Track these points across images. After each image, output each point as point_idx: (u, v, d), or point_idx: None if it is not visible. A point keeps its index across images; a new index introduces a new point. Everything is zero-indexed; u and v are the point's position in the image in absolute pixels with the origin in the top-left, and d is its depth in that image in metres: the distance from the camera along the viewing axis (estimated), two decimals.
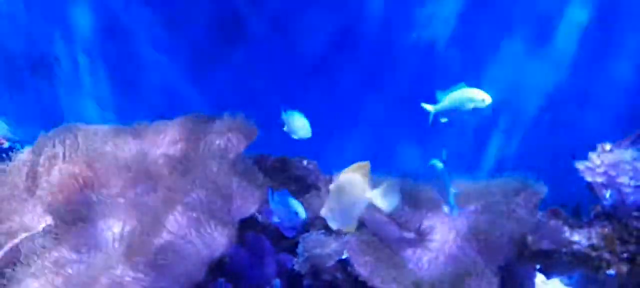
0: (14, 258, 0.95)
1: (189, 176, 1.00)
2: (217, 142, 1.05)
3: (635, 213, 1.04)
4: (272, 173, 1.21)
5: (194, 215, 0.93)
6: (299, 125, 1.21)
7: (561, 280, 1.31)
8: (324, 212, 0.90)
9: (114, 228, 0.95)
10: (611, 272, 1.02)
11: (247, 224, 1.05)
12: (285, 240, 1.10)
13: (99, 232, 0.95)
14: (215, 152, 1.03)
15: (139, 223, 0.94)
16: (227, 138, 1.05)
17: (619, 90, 1.85)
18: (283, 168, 1.23)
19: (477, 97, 1.14)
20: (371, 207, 1.07)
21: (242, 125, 1.08)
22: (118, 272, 0.88)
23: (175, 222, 0.93)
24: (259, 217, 1.12)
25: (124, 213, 0.96)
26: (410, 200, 1.16)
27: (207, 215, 0.92)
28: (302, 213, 1.07)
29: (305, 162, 1.25)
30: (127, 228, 0.95)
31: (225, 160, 1.02)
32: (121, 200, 0.99)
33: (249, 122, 1.09)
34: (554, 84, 1.92)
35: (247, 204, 0.97)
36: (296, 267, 1.03)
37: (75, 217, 0.96)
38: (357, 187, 0.89)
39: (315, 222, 1.12)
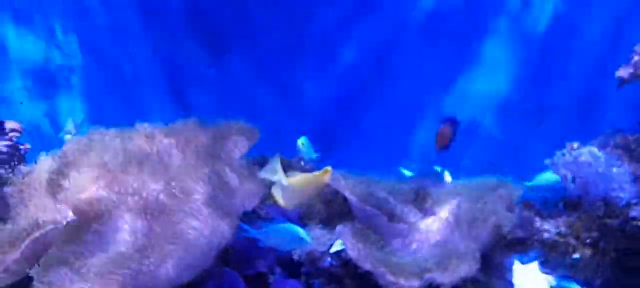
0: (39, 250, 1.05)
1: (199, 174, 1.11)
2: (224, 143, 1.16)
3: (598, 204, 1.16)
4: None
5: (204, 209, 1.04)
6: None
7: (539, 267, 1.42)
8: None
9: (132, 222, 1.05)
10: (576, 256, 1.15)
11: (249, 217, 1.16)
12: None
13: (119, 226, 1.05)
14: (222, 153, 1.14)
15: (155, 217, 1.04)
16: (233, 140, 1.16)
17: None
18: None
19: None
20: (361, 201, 1.20)
21: (245, 128, 1.20)
22: (137, 261, 0.98)
23: (187, 216, 1.04)
24: (261, 212, 1.22)
25: (141, 208, 1.07)
26: (399, 194, 1.28)
27: (215, 209, 1.03)
28: (307, 238, 1.12)
29: (302, 163, 1.36)
30: (145, 223, 1.05)
31: (231, 160, 1.13)
32: (138, 197, 1.09)
33: (252, 126, 1.21)
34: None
35: (249, 199, 1.08)
36: (295, 257, 1.14)
37: (96, 214, 1.06)
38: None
39: (313, 217, 1.24)
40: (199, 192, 1.08)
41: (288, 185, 1.15)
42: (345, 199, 1.24)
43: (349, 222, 1.13)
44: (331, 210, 1.26)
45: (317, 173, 1.16)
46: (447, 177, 1.46)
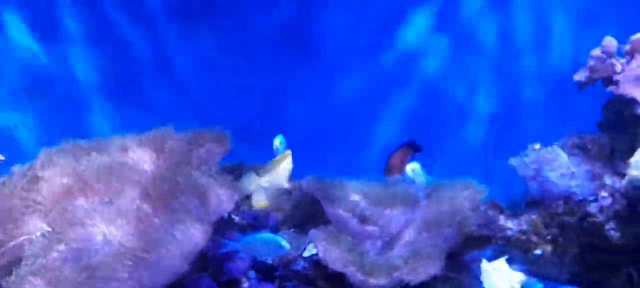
0: (14, 259, 1.06)
1: (172, 182, 1.13)
2: (196, 152, 1.19)
3: (557, 202, 1.22)
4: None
5: (177, 217, 1.06)
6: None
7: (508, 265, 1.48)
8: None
9: (106, 231, 1.07)
10: (538, 252, 1.20)
11: (223, 224, 1.18)
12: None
13: (93, 235, 1.06)
14: (196, 160, 1.17)
15: (129, 226, 1.06)
16: (206, 148, 1.19)
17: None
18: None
19: None
20: (334, 205, 1.24)
21: (218, 136, 1.22)
22: (111, 268, 1.00)
23: (160, 225, 1.06)
24: (235, 219, 1.25)
25: (115, 217, 1.08)
26: (371, 197, 1.33)
27: (188, 216, 1.05)
28: (286, 245, 1.15)
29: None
30: (119, 231, 1.07)
31: (204, 167, 1.16)
32: (112, 207, 1.11)
33: (225, 134, 1.24)
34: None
35: (224, 205, 1.11)
36: (269, 260, 1.17)
37: (70, 223, 1.08)
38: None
39: (286, 220, 1.27)
40: (174, 200, 1.10)
41: (266, 187, 1.24)
42: (318, 203, 1.28)
43: (322, 226, 1.17)
44: (305, 214, 1.29)
45: (276, 159, 1.33)
46: (420, 177, 1.50)
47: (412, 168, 1.39)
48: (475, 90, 2.14)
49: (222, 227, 1.22)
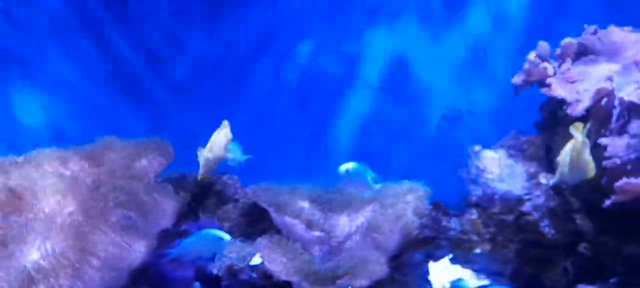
0: None
1: (111, 196, 1.10)
2: (137, 163, 1.16)
3: (495, 202, 1.28)
4: (193, 190, 1.33)
5: (116, 230, 1.03)
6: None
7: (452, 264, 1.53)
8: None
9: (43, 245, 1.03)
10: (477, 251, 1.25)
11: (167, 236, 1.16)
12: None
13: (29, 248, 1.02)
14: (137, 172, 1.14)
15: (65, 241, 1.03)
16: (147, 159, 1.17)
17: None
18: (203, 185, 1.35)
19: None
20: (281, 212, 1.24)
21: (160, 147, 1.20)
22: (46, 284, 0.97)
23: (99, 238, 1.03)
24: (180, 229, 1.23)
25: (50, 233, 1.04)
26: (320, 202, 1.33)
27: (128, 229, 1.03)
28: (227, 236, 1.19)
29: (225, 177, 1.38)
30: (55, 247, 1.03)
31: (144, 180, 1.14)
32: (49, 220, 1.07)
33: (166, 144, 1.22)
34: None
35: (165, 218, 1.09)
36: (215, 271, 1.16)
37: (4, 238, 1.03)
38: None
39: (234, 230, 1.26)
40: (112, 213, 1.08)
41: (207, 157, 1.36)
42: (266, 211, 1.28)
43: (267, 234, 1.16)
44: (252, 222, 1.29)
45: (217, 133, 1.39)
46: (369, 181, 1.52)
47: (346, 168, 1.41)
48: (428, 92, 2.20)
49: (167, 237, 1.20)
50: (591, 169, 1.14)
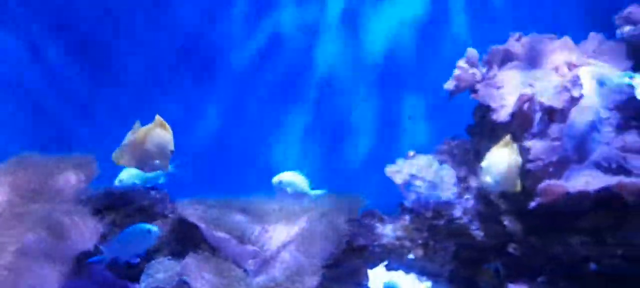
0: None
1: (25, 218, 1.03)
2: (54, 181, 1.09)
3: (427, 207, 1.29)
4: (118, 206, 1.27)
5: (28, 255, 0.96)
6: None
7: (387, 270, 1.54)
8: None
9: None
10: (411, 256, 1.26)
11: (89, 257, 1.10)
12: (131, 268, 1.16)
13: None
14: (53, 192, 1.07)
15: None
16: (65, 177, 1.10)
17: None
18: (129, 200, 1.29)
19: None
20: (212, 228, 1.20)
21: (80, 164, 1.13)
22: None
23: (8, 265, 0.95)
24: (103, 250, 1.17)
25: None
26: (255, 215, 1.31)
27: (41, 254, 0.96)
28: (154, 228, 1.16)
29: (153, 193, 1.32)
30: None
31: (63, 199, 1.07)
32: None
33: (88, 160, 1.15)
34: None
35: (85, 239, 1.03)
36: None
37: None
38: None
39: (162, 248, 1.21)
40: (24, 237, 1.00)
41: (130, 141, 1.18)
42: (196, 226, 1.24)
43: (195, 252, 1.13)
44: (181, 239, 1.24)
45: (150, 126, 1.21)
46: (307, 190, 1.49)
47: (280, 179, 1.37)
48: (365, 98, 2.22)
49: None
50: (517, 185, 1.18)
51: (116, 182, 1.41)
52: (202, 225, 1.21)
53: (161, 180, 1.33)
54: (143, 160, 1.19)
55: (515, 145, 1.19)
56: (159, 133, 1.20)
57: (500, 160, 1.14)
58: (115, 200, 1.28)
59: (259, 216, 1.30)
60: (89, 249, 1.10)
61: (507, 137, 1.17)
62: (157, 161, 1.21)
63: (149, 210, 1.28)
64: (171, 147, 1.21)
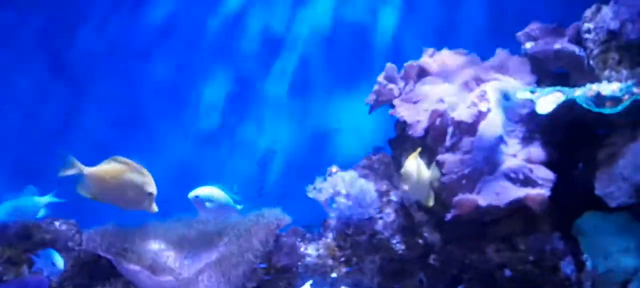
0: None
1: None
2: None
3: (349, 224, 1.29)
4: (16, 241, 1.16)
5: None
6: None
7: None
8: None
9: None
10: (334, 275, 1.25)
11: None
12: None
13: None
14: None
15: None
16: None
17: None
18: (28, 235, 1.18)
19: None
20: (122, 260, 1.13)
21: None
22: None
23: None
24: None
25: None
26: (171, 241, 1.25)
27: None
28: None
29: (58, 223, 1.22)
30: None
31: None
32: None
33: None
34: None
35: None
36: None
37: None
38: None
39: (65, 283, 1.12)
40: None
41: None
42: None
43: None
44: (88, 274, 1.16)
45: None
46: (230, 203, 1.44)
47: (196, 194, 1.31)
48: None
49: None
50: (428, 195, 1.21)
51: None
52: (111, 257, 1.13)
53: (41, 214, 1.23)
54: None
55: (419, 159, 1.21)
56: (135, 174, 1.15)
57: (411, 170, 1.16)
58: (12, 236, 1.17)
59: (175, 241, 1.24)
60: None
61: (417, 151, 1.19)
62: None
63: (50, 245, 1.18)
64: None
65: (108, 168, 1.12)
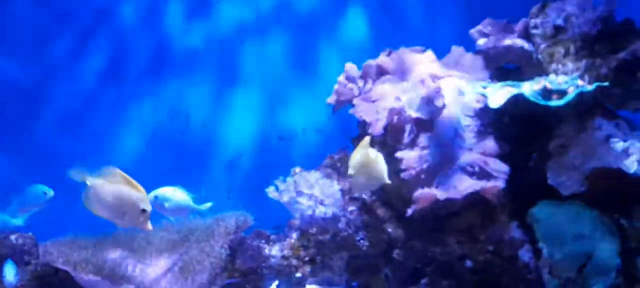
0: None
1: None
2: None
3: (312, 224, 1.30)
4: None
5: None
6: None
7: None
8: None
9: None
10: (299, 274, 1.26)
11: None
12: None
13: None
14: None
15: None
16: None
17: None
18: None
19: None
20: (79, 270, 1.11)
21: None
22: None
23: None
24: None
25: None
26: (133, 248, 1.23)
27: None
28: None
29: (14, 237, 1.19)
30: None
31: None
32: None
33: None
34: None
35: None
36: None
37: None
38: None
39: None
40: None
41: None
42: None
43: None
44: (48, 285, 1.13)
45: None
46: (191, 204, 1.42)
47: (155, 194, 1.28)
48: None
49: None
50: (383, 176, 1.17)
51: None
52: (69, 269, 1.11)
53: (19, 222, 1.20)
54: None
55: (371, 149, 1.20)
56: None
57: (355, 157, 1.15)
58: None
59: (136, 249, 1.23)
60: None
61: (365, 140, 1.18)
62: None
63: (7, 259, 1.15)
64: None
65: (109, 181, 1.06)
